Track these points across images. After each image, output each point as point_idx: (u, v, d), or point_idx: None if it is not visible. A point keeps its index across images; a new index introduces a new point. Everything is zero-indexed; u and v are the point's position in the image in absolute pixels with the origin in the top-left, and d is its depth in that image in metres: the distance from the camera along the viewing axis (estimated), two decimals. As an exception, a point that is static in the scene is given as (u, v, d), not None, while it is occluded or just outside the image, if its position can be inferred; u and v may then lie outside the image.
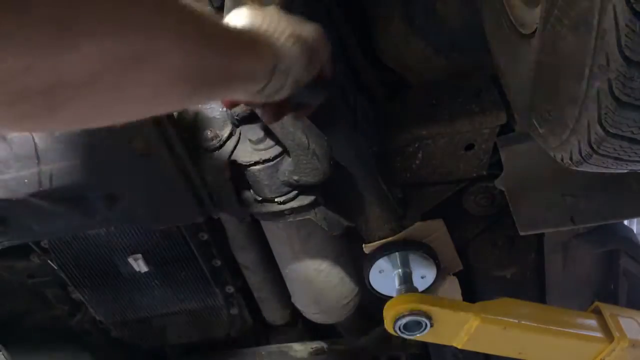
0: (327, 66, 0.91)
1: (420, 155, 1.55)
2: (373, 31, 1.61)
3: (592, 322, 1.46)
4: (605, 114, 0.69)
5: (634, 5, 0.57)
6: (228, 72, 0.65)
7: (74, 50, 0.45)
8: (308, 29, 0.82)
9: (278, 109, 0.88)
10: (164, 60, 0.54)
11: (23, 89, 0.45)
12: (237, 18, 0.75)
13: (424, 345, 2.01)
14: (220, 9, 1.08)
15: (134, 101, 0.56)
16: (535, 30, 0.89)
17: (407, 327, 1.39)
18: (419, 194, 1.66)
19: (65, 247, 1.74)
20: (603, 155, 0.77)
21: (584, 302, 1.77)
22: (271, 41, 0.73)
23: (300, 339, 2.17)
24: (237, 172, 1.28)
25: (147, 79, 0.54)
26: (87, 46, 0.46)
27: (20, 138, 1.19)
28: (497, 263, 1.90)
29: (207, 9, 0.66)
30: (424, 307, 1.36)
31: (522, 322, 1.39)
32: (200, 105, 1.25)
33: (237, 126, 1.29)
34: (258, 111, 0.95)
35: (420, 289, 1.55)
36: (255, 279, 1.94)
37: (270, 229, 1.61)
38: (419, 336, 1.40)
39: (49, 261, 1.78)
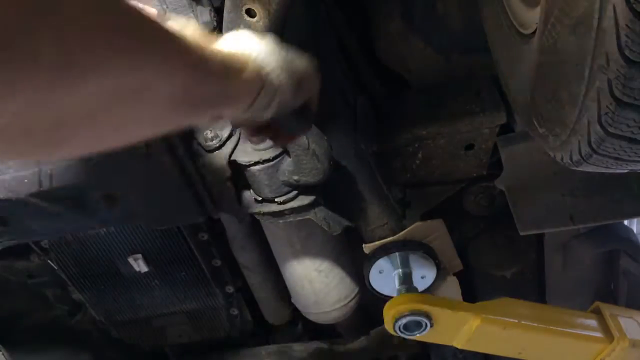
0: (315, 99, 0.93)
1: (420, 155, 1.55)
2: (373, 31, 1.61)
3: (592, 322, 1.46)
4: (605, 114, 0.69)
5: (634, 5, 0.57)
6: (217, 96, 0.69)
7: (74, 91, 0.46)
8: (300, 60, 0.85)
9: (258, 129, 0.91)
10: (158, 94, 0.57)
11: (25, 129, 0.46)
12: (232, 42, 0.77)
13: (424, 345, 2.01)
14: (220, 9, 1.08)
15: (133, 130, 0.60)
16: (535, 30, 0.89)
17: (407, 327, 1.39)
18: (419, 194, 1.66)
19: (65, 247, 1.74)
20: (603, 155, 0.77)
21: (584, 302, 1.77)
22: (259, 66, 0.76)
23: (300, 339, 2.17)
24: (237, 172, 1.28)
25: (143, 112, 0.57)
26: (86, 87, 0.47)
27: (20, 138, 1.19)
28: (497, 263, 1.90)
29: (196, 33, 0.67)
30: (424, 307, 1.36)
31: (522, 322, 1.39)
32: None
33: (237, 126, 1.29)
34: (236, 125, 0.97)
35: (420, 289, 1.54)
36: (255, 279, 1.94)
37: (270, 229, 1.60)
38: (419, 336, 1.40)
39: (49, 261, 1.78)
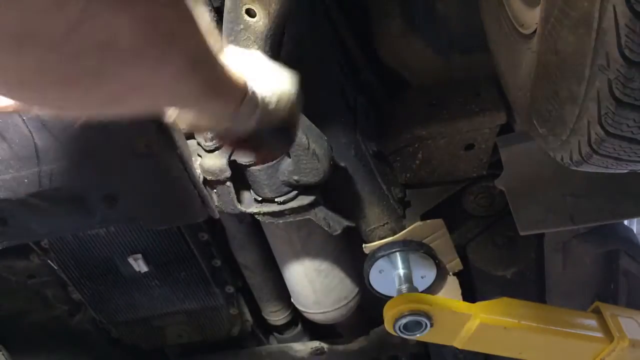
0: (297, 117, 0.93)
1: (420, 155, 1.55)
2: (373, 31, 1.61)
3: (592, 322, 1.46)
4: (605, 114, 0.69)
5: (634, 6, 0.57)
6: (209, 86, 0.70)
7: (128, 11, 0.48)
8: (284, 78, 0.85)
9: (239, 142, 0.90)
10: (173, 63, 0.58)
11: (78, 44, 0.46)
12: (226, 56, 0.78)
13: (424, 345, 2.01)
14: (220, 9, 1.08)
15: (158, 85, 0.60)
16: (535, 30, 0.89)
17: (407, 327, 1.39)
18: (419, 194, 1.66)
19: (65, 247, 1.74)
20: (603, 155, 0.77)
21: (584, 302, 1.77)
22: (245, 77, 0.77)
23: (300, 339, 2.17)
24: (237, 172, 1.28)
25: (175, 61, 0.58)
26: (139, 10, 0.49)
27: (21, 138, 1.19)
28: (497, 263, 1.90)
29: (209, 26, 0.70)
30: (424, 307, 1.36)
31: (522, 322, 1.39)
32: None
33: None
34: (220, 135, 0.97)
35: (420, 289, 1.54)
36: (255, 279, 1.94)
37: (270, 229, 1.60)
38: (419, 336, 1.40)
39: (49, 261, 1.78)
